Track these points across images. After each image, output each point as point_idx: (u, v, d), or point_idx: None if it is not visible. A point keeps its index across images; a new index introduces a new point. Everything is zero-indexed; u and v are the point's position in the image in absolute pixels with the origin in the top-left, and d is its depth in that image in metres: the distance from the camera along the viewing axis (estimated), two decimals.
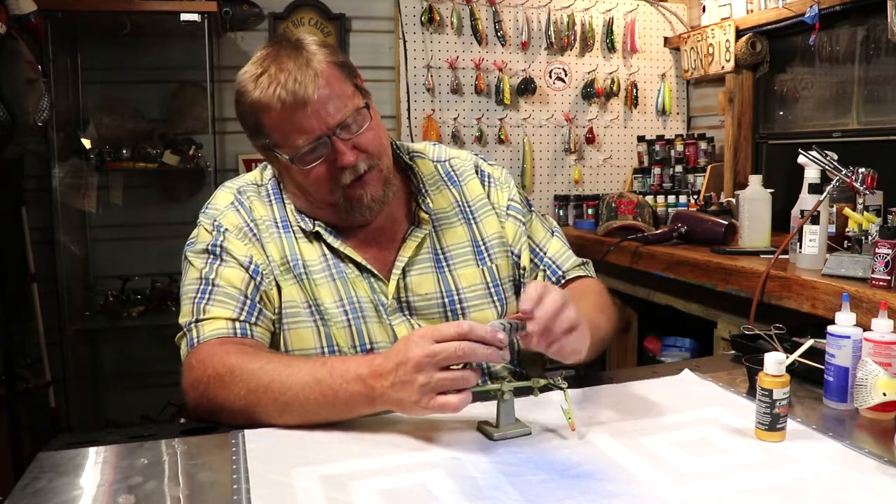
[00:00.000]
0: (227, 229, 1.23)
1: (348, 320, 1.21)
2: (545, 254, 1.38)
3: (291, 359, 1.14)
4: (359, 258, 1.24)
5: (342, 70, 1.18)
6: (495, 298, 1.31)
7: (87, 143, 2.83)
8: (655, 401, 1.18)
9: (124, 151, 2.83)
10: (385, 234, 1.28)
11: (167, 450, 1.01)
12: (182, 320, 1.20)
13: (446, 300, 1.27)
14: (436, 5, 3.14)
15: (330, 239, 1.24)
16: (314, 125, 1.13)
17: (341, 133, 1.15)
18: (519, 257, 1.36)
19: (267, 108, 1.14)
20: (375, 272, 1.24)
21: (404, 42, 3.13)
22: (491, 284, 1.31)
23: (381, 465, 0.94)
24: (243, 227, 1.24)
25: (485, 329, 0.96)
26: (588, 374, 1.41)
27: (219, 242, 1.22)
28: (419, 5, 3.14)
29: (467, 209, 1.35)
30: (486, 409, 1.09)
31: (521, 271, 1.36)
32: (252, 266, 1.21)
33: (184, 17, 2.61)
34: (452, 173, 1.38)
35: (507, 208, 1.37)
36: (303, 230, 1.25)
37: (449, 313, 1.27)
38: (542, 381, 1.07)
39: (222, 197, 1.29)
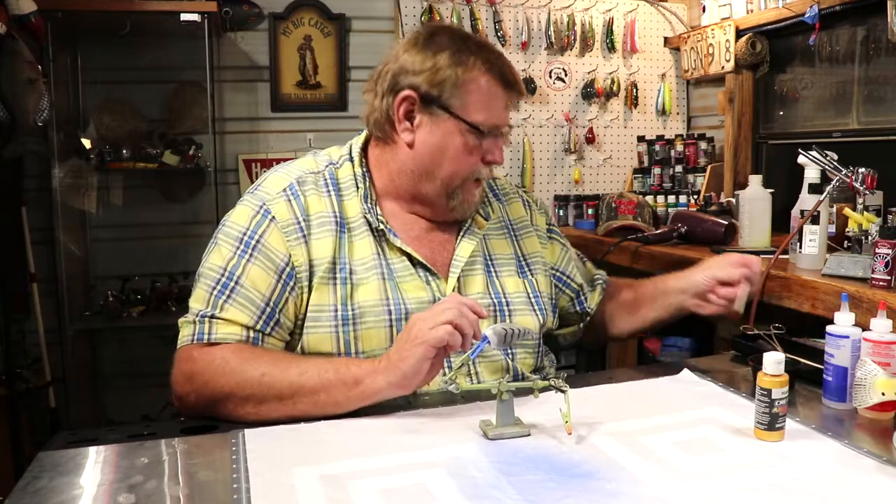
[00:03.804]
0: (274, 217, 1.20)
1: (390, 321, 1.21)
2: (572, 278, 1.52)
3: (298, 356, 1.17)
4: (418, 256, 1.26)
5: None
6: (535, 308, 1.36)
7: (87, 143, 2.83)
8: (655, 401, 1.18)
9: (124, 151, 2.82)
10: (438, 236, 1.32)
11: (167, 449, 1.01)
12: (194, 305, 1.18)
13: (495, 301, 1.32)
14: (436, 5, 3.14)
15: (391, 237, 1.25)
16: (504, 116, 1.28)
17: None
18: (568, 276, 1.49)
19: (484, 77, 1.22)
20: (434, 270, 1.27)
21: None
22: (531, 295, 1.37)
23: (381, 464, 0.94)
24: (292, 223, 1.21)
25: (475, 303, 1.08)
26: (588, 373, 1.41)
27: (258, 233, 1.19)
28: (419, 5, 3.14)
29: (510, 226, 1.43)
30: (487, 409, 1.09)
31: (579, 288, 1.49)
32: (287, 269, 1.18)
33: (184, 17, 2.61)
34: (498, 191, 1.46)
35: (549, 231, 1.50)
36: (368, 225, 1.25)
37: (497, 314, 1.31)
38: (542, 383, 1.07)
39: (276, 181, 1.26)
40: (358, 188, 1.28)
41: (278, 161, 3.04)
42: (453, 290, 1.28)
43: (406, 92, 1.22)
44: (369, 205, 1.26)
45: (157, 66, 2.92)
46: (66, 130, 2.79)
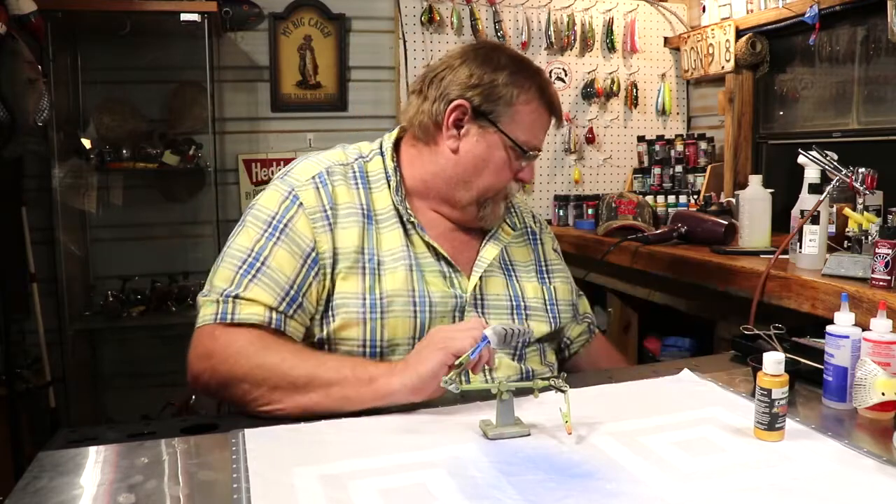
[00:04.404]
0: (302, 203, 1.23)
1: (415, 312, 1.23)
2: None
3: (318, 351, 1.21)
4: (443, 252, 1.29)
5: None
6: (550, 315, 1.40)
7: (87, 143, 2.84)
8: (655, 401, 1.18)
9: (124, 151, 2.83)
10: (461, 236, 1.36)
11: (167, 449, 1.01)
12: (218, 283, 1.18)
13: (514, 303, 1.35)
14: (436, 5, 3.14)
15: (419, 231, 1.28)
16: (542, 139, 1.34)
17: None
18: None
19: (535, 102, 1.29)
20: (457, 267, 1.30)
21: (404, 42, 3.12)
22: (547, 301, 1.40)
23: (381, 464, 0.94)
24: (319, 210, 1.23)
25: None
26: (588, 373, 1.42)
27: (287, 217, 1.22)
28: (419, 5, 3.13)
29: (530, 233, 1.48)
30: (487, 409, 1.09)
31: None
32: (312, 255, 1.21)
33: (184, 17, 2.62)
34: (516, 201, 1.51)
35: (555, 253, 1.54)
36: (399, 217, 1.28)
37: (515, 316, 1.35)
38: (543, 382, 1.07)
39: (306, 168, 1.29)
40: (389, 182, 1.31)
41: (278, 161, 3.09)
42: (474, 289, 1.31)
43: (459, 101, 1.27)
44: (400, 197, 1.29)
45: (157, 66, 2.92)
46: (66, 130, 2.79)
